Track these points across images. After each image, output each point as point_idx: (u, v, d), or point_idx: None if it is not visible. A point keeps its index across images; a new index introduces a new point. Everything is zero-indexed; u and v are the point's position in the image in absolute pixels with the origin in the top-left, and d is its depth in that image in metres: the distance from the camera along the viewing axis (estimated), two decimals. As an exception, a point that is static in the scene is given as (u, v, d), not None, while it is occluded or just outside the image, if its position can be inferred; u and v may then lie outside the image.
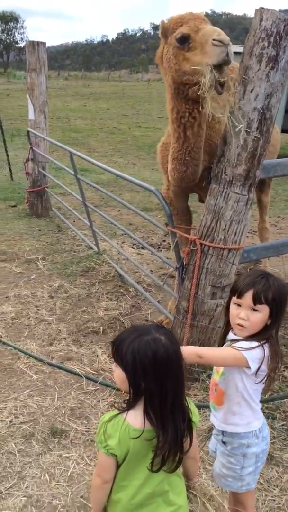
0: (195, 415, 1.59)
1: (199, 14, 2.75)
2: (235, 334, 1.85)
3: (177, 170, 2.99)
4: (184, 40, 2.59)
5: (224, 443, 1.87)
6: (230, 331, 1.88)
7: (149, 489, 1.52)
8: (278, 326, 1.78)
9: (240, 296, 1.75)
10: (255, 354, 1.71)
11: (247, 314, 1.73)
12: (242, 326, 1.75)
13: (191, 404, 1.59)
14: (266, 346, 1.73)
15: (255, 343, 1.73)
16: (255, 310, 1.72)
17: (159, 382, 1.43)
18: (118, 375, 1.51)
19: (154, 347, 1.43)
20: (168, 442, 1.44)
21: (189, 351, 1.70)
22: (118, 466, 1.51)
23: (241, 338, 1.78)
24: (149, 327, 1.53)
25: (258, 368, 1.71)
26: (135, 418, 1.48)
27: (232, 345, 1.76)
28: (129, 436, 1.46)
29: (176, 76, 2.68)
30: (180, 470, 1.63)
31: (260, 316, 1.73)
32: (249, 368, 1.71)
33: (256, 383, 1.78)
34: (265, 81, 2.58)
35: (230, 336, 1.87)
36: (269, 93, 2.61)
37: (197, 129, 2.82)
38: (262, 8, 2.53)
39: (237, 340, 1.77)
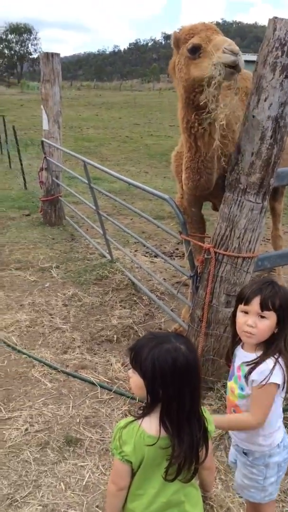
0: (211, 423, 1.58)
1: (211, 25, 2.77)
2: (242, 347, 1.84)
3: (191, 179, 3.00)
4: (195, 50, 2.62)
5: (245, 454, 1.85)
6: (239, 345, 1.86)
7: (164, 499, 1.51)
8: (285, 334, 1.77)
9: (247, 303, 1.75)
10: (279, 372, 1.71)
11: (255, 321, 1.73)
12: (250, 333, 1.74)
13: (206, 412, 1.58)
14: (280, 359, 1.73)
15: (271, 362, 1.72)
16: (262, 317, 1.72)
17: (177, 390, 1.43)
18: (135, 381, 1.50)
19: (175, 355, 1.43)
20: (184, 451, 1.43)
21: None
22: (133, 473, 1.51)
23: (254, 358, 1.76)
24: (168, 334, 1.53)
25: (284, 383, 1.71)
26: (151, 425, 1.48)
27: (253, 379, 1.73)
28: (144, 442, 1.46)
29: (186, 84, 2.70)
30: (196, 481, 1.63)
31: (267, 323, 1.72)
32: (280, 387, 1.70)
33: (282, 397, 1.76)
34: (279, 89, 2.58)
35: (239, 352, 1.85)
36: (283, 102, 2.61)
37: (208, 139, 2.82)
38: (276, 17, 2.55)
39: (252, 362, 1.74)
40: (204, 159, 2.88)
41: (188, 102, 2.76)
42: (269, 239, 5.36)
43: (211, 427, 1.56)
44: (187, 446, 1.44)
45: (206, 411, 1.58)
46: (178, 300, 4.37)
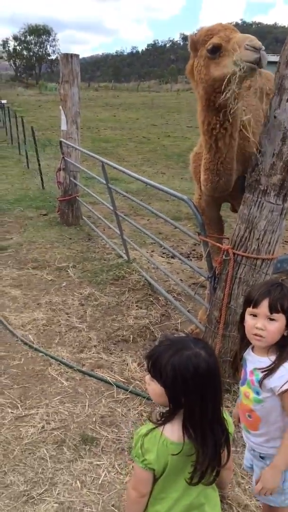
0: (230, 425, 1.56)
1: (228, 25, 2.75)
2: (252, 351, 1.82)
3: (210, 181, 2.99)
4: (216, 50, 2.60)
5: (262, 458, 1.83)
6: (249, 348, 1.84)
7: (187, 501, 1.50)
8: None
9: (255, 305, 1.73)
10: None
11: (264, 324, 1.71)
12: (260, 336, 1.72)
13: (226, 414, 1.56)
14: None
15: (284, 372, 1.69)
16: (271, 319, 1.70)
17: (200, 396, 1.41)
18: (155, 389, 1.47)
19: (196, 362, 1.41)
20: (209, 457, 1.42)
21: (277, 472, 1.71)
22: (155, 479, 1.49)
23: (267, 361, 1.74)
24: (187, 340, 1.50)
25: None
26: (172, 432, 1.46)
27: (274, 385, 1.70)
28: (168, 450, 1.44)
29: (207, 85, 2.68)
30: None
31: (277, 325, 1.70)
32: None
33: None
34: (302, 90, 2.55)
35: (250, 356, 1.83)
36: (305, 102, 2.58)
37: (229, 140, 2.81)
38: (299, 17, 2.52)
39: (267, 369, 1.72)
40: (224, 160, 2.87)
41: (208, 103, 2.75)
42: (287, 242, 5.31)
43: (231, 428, 1.55)
44: (211, 451, 1.43)
45: (226, 413, 1.56)
46: (194, 301, 4.36)
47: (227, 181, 2.99)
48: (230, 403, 2.96)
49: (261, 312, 1.71)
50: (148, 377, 1.51)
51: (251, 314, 1.75)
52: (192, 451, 1.43)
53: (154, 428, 1.48)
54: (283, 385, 1.68)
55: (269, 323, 1.70)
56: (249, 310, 1.76)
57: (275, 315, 1.69)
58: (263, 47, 2.41)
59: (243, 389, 1.86)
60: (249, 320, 1.76)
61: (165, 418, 1.48)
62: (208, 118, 2.79)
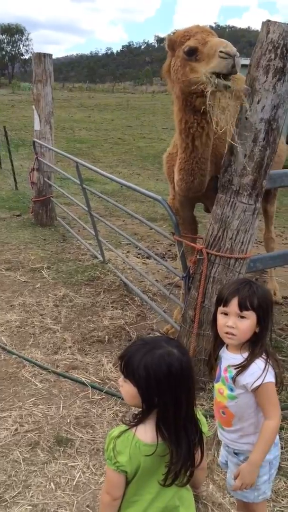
0: (204, 425, 1.57)
1: (205, 27, 2.79)
2: (227, 348, 1.84)
3: (184, 181, 3.01)
4: (192, 53, 2.63)
5: (236, 454, 1.86)
6: (224, 346, 1.87)
7: (161, 504, 1.48)
8: (269, 334, 1.78)
9: (226, 304, 1.76)
10: (272, 371, 1.72)
11: (235, 322, 1.74)
12: (231, 334, 1.74)
13: (199, 414, 1.56)
14: (269, 360, 1.74)
15: (261, 363, 1.72)
16: (242, 317, 1.73)
17: (173, 395, 1.41)
18: (128, 391, 1.46)
19: (169, 361, 1.40)
20: (182, 457, 1.41)
21: (254, 468, 1.73)
22: (128, 481, 1.47)
23: (239, 358, 1.76)
24: (159, 339, 1.50)
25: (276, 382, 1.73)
26: (146, 433, 1.44)
27: (246, 382, 1.72)
28: (140, 452, 1.43)
29: (184, 86, 2.71)
30: None
31: (248, 323, 1.73)
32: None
33: None
34: (272, 92, 2.60)
35: (225, 353, 1.85)
36: (275, 104, 2.63)
37: (205, 139, 2.84)
38: (269, 21, 2.57)
39: (239, 366, 1.74)
40: (199, 160, 2.90)
41: (185, 103, 2.77)
42: (261, 242, 5.39)
43: (204, 428, 1.55)
44: (185, 451, 1.42)
45: (199, 413, 1.56)
46: (170, 301, 4.38)
47: (201, 181, 3.02)
48: (205, 401, 2.99)
49: (231, 311, 1.74)
50: (121, 378, 1.50)
51: (222, 313, 1.78)
52: (166, 451, 1.42)
53: (126, 430, 1.46)
54: (254, 382, 1.70)
55: (239, 321, 1.73)
56: (220, 309, 1.78)
57: (245, 313, 1.72)
58: (238, 54, 2.45)
59: (217, 386, 1.88)
60: (220, 319, 1.78)
61: (138, 419, 1.47)
62: (185, 117, 2.82)
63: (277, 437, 1.85)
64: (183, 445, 1.41)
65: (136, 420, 1.47)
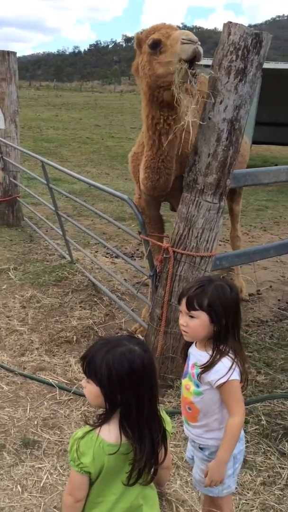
0: (168, 423, 1.58)
1: (171, 25, 2.82)
2: (195, 345, 1.87)
3: (149, 179, 3.03)
4: (156, 45, 2.66)
5: (201, 449, 1.88)
6: (193, 343, 1.89)
7: (125, 504, 1.48)
8: (235, 331, 1.79)
9: (179, 303, 1.81)
10: (237, 369, 1.74)
11: (186, 320, 1.77)
12: (184, 332, 1.80)
13: (163, 412, 1.57)
14: (236, 359, 1.76)
15: (227, 361, 1.74)
16: (191, 316, 1.76)
17: (136, 393, 1.41)
18: (91, 391, 1.46)
19: (130, 358, 1.41)
20: (145, 454, 1.42)
21: (222, 465, 1.75)
22: (91, 483, 1.47)
23: (205, 355, 1.78)
24: (121, 338, 1.51)
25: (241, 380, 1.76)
26: (109, 432, 1.44)
27: (211, 379, 1.74)
28: (104, 452, 1.42)
29: (150, 81, 2.73)
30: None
31: (197, 322, 1.75)
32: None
33: None
34: (234, 93, 2.65)
35: (193, 349, 1.87)
36: (238, 105, 2.68)
37: (172, 137, 2.86)
38: (230, 22, 2.61)
39: (204, 365, 1.76)
40: (165, 158, 2.91)
41: (152, 98, 2.78)
42: (228, 240, 5.48)
43: (168, 427, 1.56)
44: (149, 448, 1.43)
45: (163, 411, 1.57)
46: (139, 300, 4.39)
47: (166, 180, 3.04)
48: (173, 399, 3.01)
49: (182, 310, 1.79)
50: (84, 379, 1.49)
51: (179, 311, 1.82)
52: (129, 449, 1.42)
53: (90, 431, 1.46)
54: (219, 379, 1.73)
55: (190, 320, 1.76)
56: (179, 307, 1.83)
57: (193, 313, 1.75)
58: (199, 42, 2.47)
59: (184, 382, 1.91)
60: (179, 317, 1.83)
61: (102, 420, 1.47)
62: (152, 112, 2.83)
63: (242, 432, 1.88)
64: (146, 442, 1.42)
65: (100, 421, 1.47)
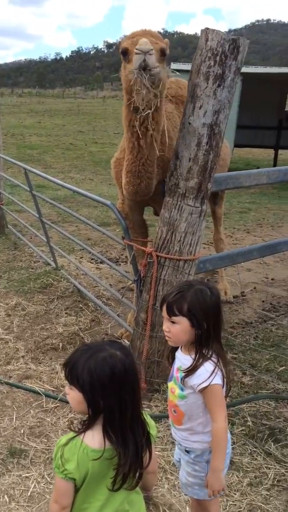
0: (153, 427, 1.58)
1: (150, 31, 2.84)
2: (181, 349, 1.88)
3: (131, 184, 3.04)
4: (125, 53, 2.70)
5: (187, 452, 1.89)
6: (179, 347, 1.90)
7: (111, 510, 1.48)
8: (215, 335, 1.78)
9: (161, 309, 1.83)
10: (219, 373, 1.74)
11: (168, 326, 1.79)
12: (167, 337, 1.81)
13: (147, 416, 1.57)
14: (219, 363, 1.76)
15: (209, 365, 1.74)
16: (173, 322, 1.77)
17: (118, 398, 1.41)
18: (74, 397, 1.46)
19: (112, 363, 1.41)
20: (130, 459, 1.42)
21: (218, 474, 1.76)
22: (76, 490, 1.47)
23: (188, 359, 1.78)
24: (102, 343, 1.51)
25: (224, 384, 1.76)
26: (93, 438, 1.44)
27: (193, 383, 1.74)
28: (88, 458, 1.42)
29: (125, 86, 2.78)
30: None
31: (178, 327, 1.76)
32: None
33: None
34: (213, 98, 2.68)
35: (178, 353, 1.88)
36: (217, 110, 2.71)
37: (150, 140, 2.87)
38: (208, 28, 2.65)
39: (187, 370, 1.77)
40: (145, 161, 2.93)
41: (129, 102, 2.82)
42: (212, 243, 5.52)
43: (153, 431, 1.56)
44: (133, 453, 1.43)
45: (147, 415, 1.58)
46: (124, 305, 4.39)
47: (148, 184, 3.05)
48: (160, 402, 3.02)
49: (164, 315, 1.80)
50: (67, 386, 1.49)
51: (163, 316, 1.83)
52: (114, 454, 1.42)
53: (74, 437, 1.46)
54: (201, 384, 1.73)
55: (172, 325, 1.77)
56: None
57: (174, 318, 1.75)
58: (150, 51, 2.49)
59: (170, 385, 1.91)
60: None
61: (86, 426, 1.47)
62: (129, 115, 2.86)
63: (229, 435, 1.89)
64: (130, 447, 1.42)
65: (84, 427, 1.47)
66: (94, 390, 1.40)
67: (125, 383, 1.42)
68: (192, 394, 1.80)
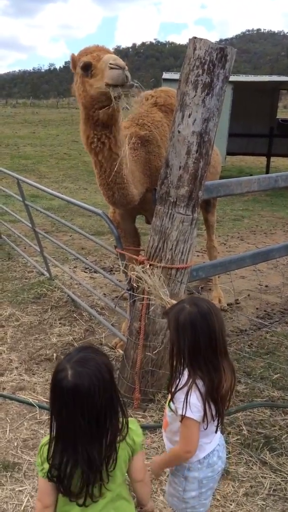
0: (138, 435, 1.58)
1: (103, 47, 2.90)
2: None
3: (105, 195, 3.08)
4: (87, 68, 2.73)
5: None
6: None
7: None
8: (192, 354, 1.67)
9: None
10: (195, 403, 1.64)
11: None
12: None
13: (134, 424, 1.58)
14: (195, 387, 1.66)
15: (181, 395, 1.66)
16: None
17: (68, 412, 1.42)
18: None
19: (60, 378, 1.43)
20: (85, 472, 1.40)
21: (156, 464, 1.81)
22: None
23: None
24: (69, 357, 1.48)
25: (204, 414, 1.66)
26: None
27: (175, 406, 1.70)
28: None
29: (85, 101, 2.80)
30: (131, 494, 1.62)
31: None
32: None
33: (204, 429, 1.71)
34: (202, 106, 2.69)
35: None
36: (206, 118, 2.73)
37: (108, 154, 2.88)
38: (195, 37, 2.67)
39: (171, 392, 1.72)
40: (109, 174, 2.94)
41: (88, 118, 2.85)
42: (206, 251, 5.51)
43: (137, 439, 1.57)
44: (86, 466, 1.40)
45: (134, 422, 1.58)
46: (118, 315, 4.37)
47: (123, 194, 3.05)
48: (155, 412, 3.00)
49: None
50: None
51: None
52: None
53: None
54: (178, 409, 1.67)
55: None
56: None
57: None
58: (126, 67, 2.58)
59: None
60: None
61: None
62: (87, 132, 2.89)
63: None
64: (79, 459, 1.40)
65: None
66: (52, 406, 1.47)
67: (73, 399, 1.40)
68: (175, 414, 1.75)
